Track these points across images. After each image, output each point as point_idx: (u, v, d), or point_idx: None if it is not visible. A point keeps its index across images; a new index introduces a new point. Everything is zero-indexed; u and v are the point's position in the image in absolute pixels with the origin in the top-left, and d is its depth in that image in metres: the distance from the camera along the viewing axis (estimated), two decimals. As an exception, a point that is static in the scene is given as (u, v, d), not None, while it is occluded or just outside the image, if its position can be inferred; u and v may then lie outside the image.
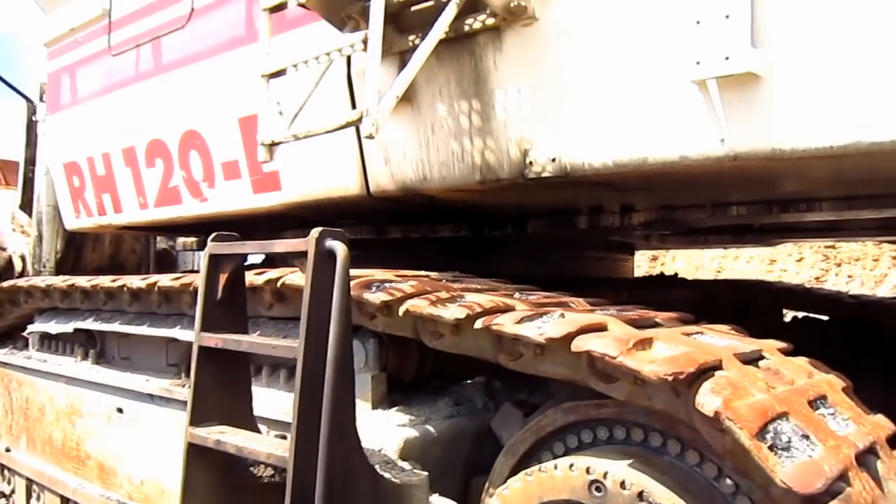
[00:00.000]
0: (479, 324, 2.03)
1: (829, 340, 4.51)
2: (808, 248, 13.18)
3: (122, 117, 3.97)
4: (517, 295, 2.44)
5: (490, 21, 2.37)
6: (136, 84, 3.85)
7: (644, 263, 14.34)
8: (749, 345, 2.01)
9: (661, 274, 6.48)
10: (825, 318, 4.94)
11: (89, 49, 4.22)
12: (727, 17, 1.94)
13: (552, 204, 3.18)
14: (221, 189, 3.54)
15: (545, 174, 2.41)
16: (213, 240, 2.28)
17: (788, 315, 5.35)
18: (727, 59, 1.93)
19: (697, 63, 1.98)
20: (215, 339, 2.21)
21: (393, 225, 3.65)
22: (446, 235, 3.60)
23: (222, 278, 2.29)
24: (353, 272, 2.51)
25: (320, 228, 1.95)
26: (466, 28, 2.44)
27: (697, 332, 2.08)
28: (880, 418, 1.95)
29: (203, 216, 3.71)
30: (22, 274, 5.94)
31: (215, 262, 2.29)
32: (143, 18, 3.81)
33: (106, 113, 4.09)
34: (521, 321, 1.96)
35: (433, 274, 2.78)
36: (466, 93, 2.56)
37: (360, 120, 2.02)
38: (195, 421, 2.27)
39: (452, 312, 2.10)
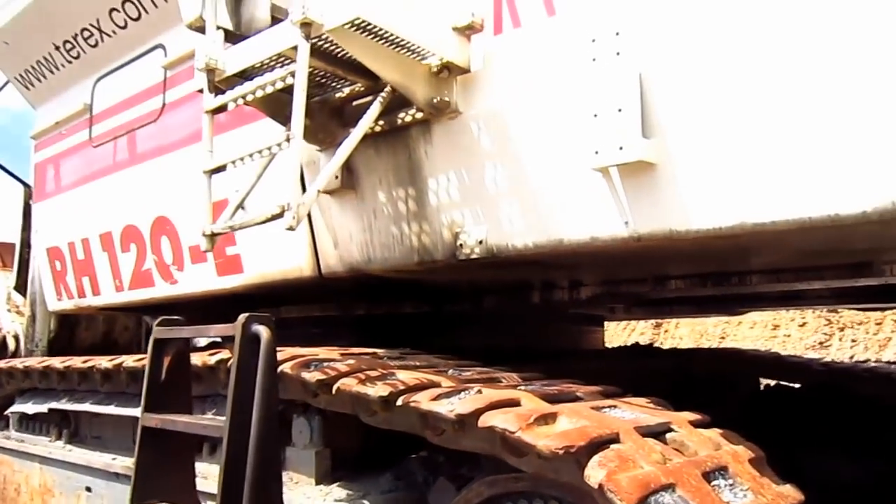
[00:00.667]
0: (399, 401, 2.13)
1: (797, 408, 4.55)
2: (811, 314, 13.17)
3: (100, 205, 4.18)
4: (451, 371, 2.55)
5: (419, 115, 2.56)
6: (113, 174, 4.07)
7: (648, 331, 14.36)
8: (658, 417, 2.09)
9: (636, 344, 6.52)
10: (796, 385, 4.99)
11: (72, 141, 4.46)
12: (620, 110, 2.11)
13: (503, 280, 3.31)
14: (189, 272, 3.70)
15: (474, 256, 2.55)
16: (157, 324, 2.41)
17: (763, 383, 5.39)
18: (621, 148, 2.09)
19: (596, 153, 2.14)
20: (155, 420, 2.31)
21: (357, 303, 3.78)
22: (409, 312, 3.73)
23: (166, 361, 2.41)
24: (300, 351, 2.64)
25: (247, 314, 2.07)
26: (399, 121, 2.63)
27: (610, 406, 2.17)
28: (787, 488, 2.01)
29: (173, 297, 3.85)
30: (15, 354, 6.08)
31: (160, 345, 2.41)
32: (120, 112, 4.06)
33: (85, 201, 4.30)
34: (437, 398, 2.07)
35: (381, 351, 2.90)
36: (403, 181, 2.73)
37: (281, 214, 2.17)
38: (137, 499, 2.35)
39: (378, 390, 2.20)
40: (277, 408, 2.10)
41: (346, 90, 2.68)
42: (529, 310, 3.76)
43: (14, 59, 4.71)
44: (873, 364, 6.79)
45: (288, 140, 2.13)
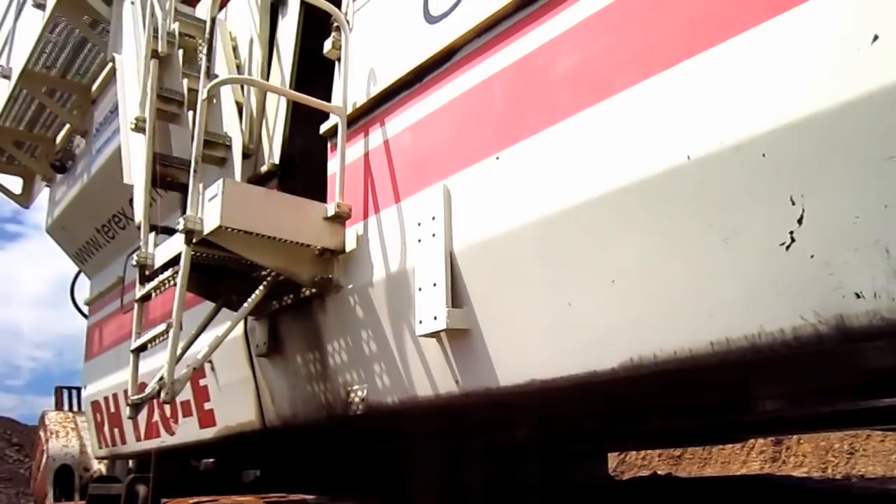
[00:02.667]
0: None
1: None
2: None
3: (124, 363, 4.81)
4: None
5: (313, 290, 2.98)
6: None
7: (769, 448, 13.50)
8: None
9: (654, 474, 6.36)
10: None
11: (110, 308, 5.21)
12: (434, 284, 2.44)
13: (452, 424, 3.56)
14: (182, 424, 4.19)
15: (359, 412, 2.87)
16: (93, 482, 2.86)
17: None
18: (435, 318, 2.40)
19: (420, 322, 2.47)
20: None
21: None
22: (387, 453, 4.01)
23: (101, 514, 2.83)
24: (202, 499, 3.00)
25: (132, 476, 2.48)
26: (302, 295, 3.06)
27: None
28: None
29: (174, 446, 4.34)
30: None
31: (94, 500, 2.85)
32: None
33: (116, 360, 4.97)
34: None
35: (311, 498, 3.21)
36: (311, 346, 3.13)
37: (158, 391, 2.61)
38: None
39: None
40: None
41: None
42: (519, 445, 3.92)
43: (70, 240, 5.63)
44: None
45: (169, 328, 2.60)
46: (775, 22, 1.70)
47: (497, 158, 2.36)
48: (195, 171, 2.76)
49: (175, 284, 2.85)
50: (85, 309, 5.71)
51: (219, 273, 3.13)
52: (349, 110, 3.03)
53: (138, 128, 3.27)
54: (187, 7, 4.28)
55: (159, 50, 3.33)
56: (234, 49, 4.06)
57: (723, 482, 5.87)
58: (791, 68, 1.66)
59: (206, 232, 2.65)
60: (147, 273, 3.04)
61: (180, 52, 3.86)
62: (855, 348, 1.68)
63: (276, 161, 3.47)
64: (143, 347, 2.95)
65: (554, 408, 2.42)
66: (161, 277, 2.83)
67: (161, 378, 2.58)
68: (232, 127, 3.64)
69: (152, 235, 3.06)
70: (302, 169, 3.51)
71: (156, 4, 3.44)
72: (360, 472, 4.01)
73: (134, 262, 3.01)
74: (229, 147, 3.61)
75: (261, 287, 2.91)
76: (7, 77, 5.03)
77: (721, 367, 1.83)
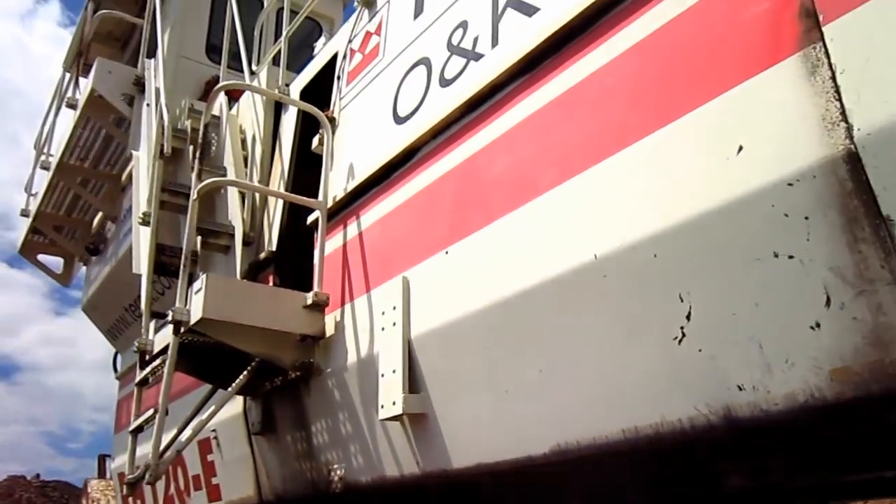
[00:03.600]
0: None
1: None
2: None
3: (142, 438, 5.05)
4: None
5: (297, 373, 3.17)
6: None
7: None
8: None
9: None
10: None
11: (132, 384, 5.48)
12: (394, 371, 2.60)
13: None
14: (195, 497, 4.37)
15: (338, 490, 3.01)
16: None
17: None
18: (394, 403, 2.55)
19: (382, 406, 2.62)
20: None
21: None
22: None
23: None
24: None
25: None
26: (290, 377, 3.25)
27: None
28: None
29: (188, 519, 4.52)
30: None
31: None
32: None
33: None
34: None
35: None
36: (298, 425, 3.30)
37: (142, 476, 2.80)
38: None
39: None
40: None
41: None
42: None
43: (103, 318, 5.98)
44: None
45: (155, 412, 2.81)
46: (662, 132, 1.86)
47: (447, 253, 2.54)
48: (184, 267, 3.01)
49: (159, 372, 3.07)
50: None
51: (215, 357, 3.35)
52: (329, 204, 3.26)
53: (145, 222, 3.57)
54: (202, 102, 4.66)
55: (165, 149, 3.64)
56: (243, 141, 4.38)
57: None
58: (674, 174, 1.81)
59: (191, 323, 2.88)
60: (147, 358, 3.27)
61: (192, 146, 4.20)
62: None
63: (273, 248, 3.72)
64: (139, 429, 3.16)
65: (503, 491, 2.52)
66: (155, 363, 3.06)
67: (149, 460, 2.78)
68: (235, 217, 3.92)
69: (153, 323, 3.31)
70: (296, 255, 3.75)
71: (163, 108, 3.78)
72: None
73: (135, 348, 3.26)
74: (233, 236, 3.89)
75: (245, 372, 3.11)
76: (47, 168, 5.48)
77: (635, 452, 1.93)
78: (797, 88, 1.59)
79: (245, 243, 3.86)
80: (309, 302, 3.05)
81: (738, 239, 1.67)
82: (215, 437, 4.06)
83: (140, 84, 4.59)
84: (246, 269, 3.84)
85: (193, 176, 3.45)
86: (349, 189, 3.19)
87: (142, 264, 3.65)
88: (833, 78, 1.51)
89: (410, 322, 2.63)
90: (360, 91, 3.45)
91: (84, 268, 6.35)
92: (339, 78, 3.72)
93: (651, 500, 2.20)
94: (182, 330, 2.91)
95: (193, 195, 3.12)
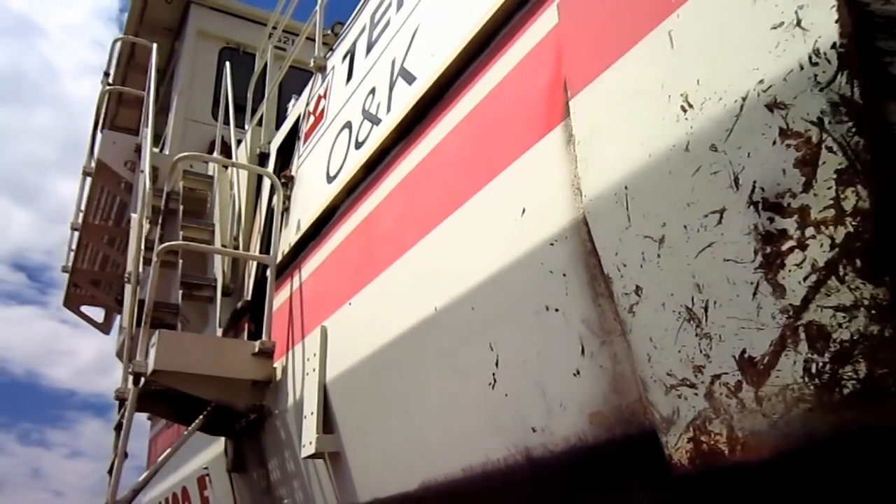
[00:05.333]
0: None
1: None
2: None
3: (163, 476, 5.45)
4: None
5: (253, 415, 3.45)
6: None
7: None
8: None
9: None
10: None
11: (160, 424, 5.91)
12: (312, 413, 2.83)
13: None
14: (199, 530, 4.70)
15: (287, 523, 3.25)
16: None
17: None
18: (311, 443, 2.79)
19: (303, 446, 2.86)
20: None
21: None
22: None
23: None
24: None
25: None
26: (250, 419, 3.53)
27: None
28: None
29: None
30: None
31: None
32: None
33: (163, 471, 5.61)
34: None
35: None
36: (259, 462, 3.58)
37: None
38: None
39: None
40: None
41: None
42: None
43: (134, 364, 6.46)
44: None
45: (113, 465, 3.13)
46: (479, 195, 2.05)
47: (350, 304, 2.77)
48: (144, 323, 3.35)
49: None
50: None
51: (188, 402, 3.67)
52: (279, 259, 3.55)
53: (128, 279, 3.95)
54: (204, 162, 5.08)
55: (146, 215, 4.03)
56: (235, 198, 4.75)
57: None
58: (485, 234, 2.00)
59: (148, 374, 3.21)
60: (124, 406, 3.62)
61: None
62: None
63: (249, 298, 4.04)
64: (111, 469, 3.50)
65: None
66: (126, 410, 3.41)
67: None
68: (218, 271, 4.27)
69: (130, 377, 3.66)
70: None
71: (147, 177, 4.17)
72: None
73: (114, 397, 3.61)
74: (215, 287, 4.23)
75: (200, 416, 3.41)
76: (76, 229, 6.05)
77: (474, 490, 2.10)
78: (559, 156, 1.76)
79: (225, 294, 4.19)
80: (256, 350, 3.33)
81: (524, 293, 1.84)
82: (207, 475, 4.38)
83: (139, 151, 5.06)
84: (227, 317, 4.17)
85: (155, 241, 3.81)
86: (292, 244, 3.47)
87: (124, 319, 4.03)
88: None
89: (326, 368, 2.87)
90: (310, 151, 3.75)
91: (119, 317, 6.88)
92: (298, 138, 4.03)
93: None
94: (142, 380, 3.24)
95: (154, 257, 3.47)
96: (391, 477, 2.45)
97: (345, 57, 3.60)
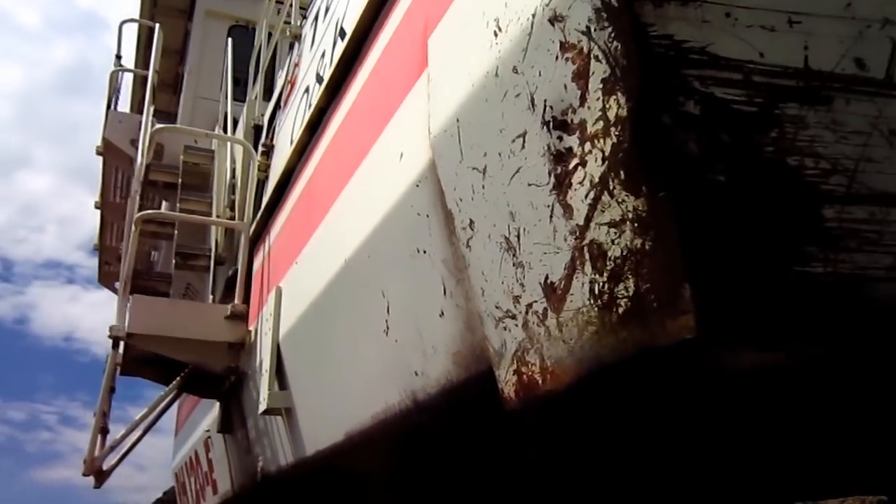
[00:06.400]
0: None
1: None
2: None
3: (184, 440, 5.68)
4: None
5: (231, 377, 3.55)
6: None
7: None
8: None
9: None
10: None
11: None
12: (266, 370, 2.90)
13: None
14: (208, 491, 4.89)
15: (258, 479, 3.34)
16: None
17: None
18: (264, 399, 2.86)
19: (259, 402, 2.93)
20: None
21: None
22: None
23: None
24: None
25: None
26: (231, 381, 3.64)
27: None
28: None
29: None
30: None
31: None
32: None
33: (184, 437, 5.84)
34: None
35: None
36: (241, 423, 3.68)
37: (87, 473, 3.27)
38: None
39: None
40: None
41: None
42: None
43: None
44: None
45: (94, 415, 3.28)
46: (375, 148, 2.05)
47: (297, 263, 2.81)
48: (124, 289, 3.48)
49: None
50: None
51: (176, 367, 3.80)
52: (253, 226, 3.63)
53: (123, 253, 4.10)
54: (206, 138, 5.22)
55: (134, 188, 4.16)
56: (234, 171, 4.86)
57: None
58: (377, 185, 1.99)
59: (124, 337, 3.34)
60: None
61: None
62: None
63: (239, 266, 4.14)
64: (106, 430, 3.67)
65: (332, 476, 2.76)
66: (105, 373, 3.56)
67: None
68: (213, 240, 4.39)
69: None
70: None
71: (141, 153, 4.31)
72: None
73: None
74: (210, 257, 4.36)
75: (178, 378, 3.52)
76: (99, 208, 6.30)
77: (386, 438, 2.12)
78: (425, 98, 1.73)
79: (219, 263, 4.31)
80: (227, 314, 3.42)
81: (401, 238, 1.83)
82: (210, 437, 4.53)
83: (149, 129, 5.23)
84: (223, 285, 4.29)
85: (135, 210, 3.94)
86: (262, 210, 3.54)
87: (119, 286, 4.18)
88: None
89: (279, 327, 2.92)
90: (285, 119, 3.80)
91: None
92: (279, 107, 4.08)
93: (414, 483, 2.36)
94: (121, 344, 3.37)
95: (133, 227, 3.59)
96: (326, 429, 2.49)
97: (312, 22, 3.62)
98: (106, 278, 7.14)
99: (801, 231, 1.01)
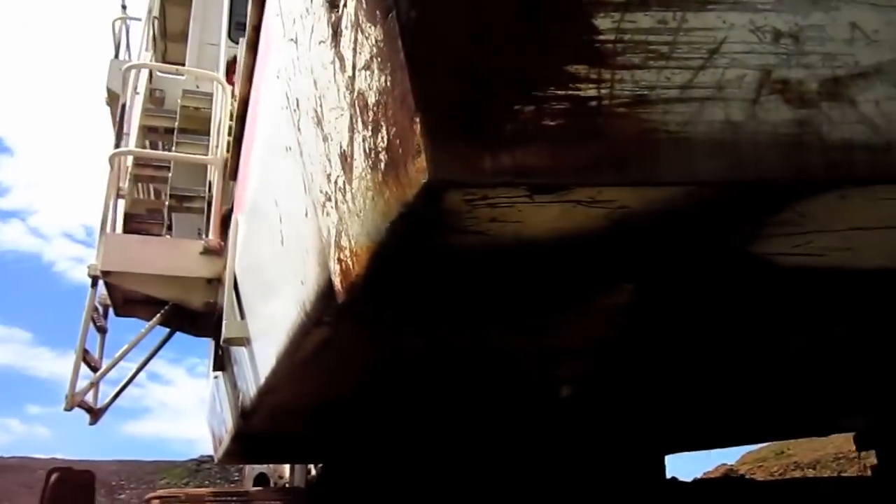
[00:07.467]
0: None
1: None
2: None
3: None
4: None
5: (214, 312, 3.54)
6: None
7: None
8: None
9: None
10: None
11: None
12: (225, 300, 2.85)
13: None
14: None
15: (240, 413, 3.34)
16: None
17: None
18: (224, 329, 2.82)
19: (222, 331, 2.89)
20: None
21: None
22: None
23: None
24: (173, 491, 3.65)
25: (60, 469, 3.22)
26: (216, 317, 3.63)
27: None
28: None
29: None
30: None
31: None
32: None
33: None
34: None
35: (254, 490, 3.74)
36: (229, 360, 3.68)
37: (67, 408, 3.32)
38: None
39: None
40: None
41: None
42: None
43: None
44: None
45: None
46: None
47: (246, 191, 2.73)
48: (102, 229, 3.49)
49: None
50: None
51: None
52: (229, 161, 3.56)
53: (119, 195, 4.13)
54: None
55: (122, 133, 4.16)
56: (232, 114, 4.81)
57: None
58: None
59: (98, 275, 3.35)
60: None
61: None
62: None
63: (230, 206, 4.11)
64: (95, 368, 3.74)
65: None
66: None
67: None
68: (207, 182, 4.37)
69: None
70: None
71: (137, 97, 4.29)
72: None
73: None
74: (204, 197, 4.34)
75: (158, 315, 3.53)
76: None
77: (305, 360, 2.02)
78: None
79: (209, 205, 4.28)
80: (201, 249, 3.38)
81: (277, 136, 1.71)
82: (215, 376, 4.58)
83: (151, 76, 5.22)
84: (218, 225, 4.28)
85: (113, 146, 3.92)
86: (233, 143, 3.46)
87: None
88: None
89: (235, 258, 2.86)
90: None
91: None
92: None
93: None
94: (98, 282, 3.40)
95: (108, 164, 3.58)
96: (266, 356, 2.42)
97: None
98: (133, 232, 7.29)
99: (562, 46, 0.84)
